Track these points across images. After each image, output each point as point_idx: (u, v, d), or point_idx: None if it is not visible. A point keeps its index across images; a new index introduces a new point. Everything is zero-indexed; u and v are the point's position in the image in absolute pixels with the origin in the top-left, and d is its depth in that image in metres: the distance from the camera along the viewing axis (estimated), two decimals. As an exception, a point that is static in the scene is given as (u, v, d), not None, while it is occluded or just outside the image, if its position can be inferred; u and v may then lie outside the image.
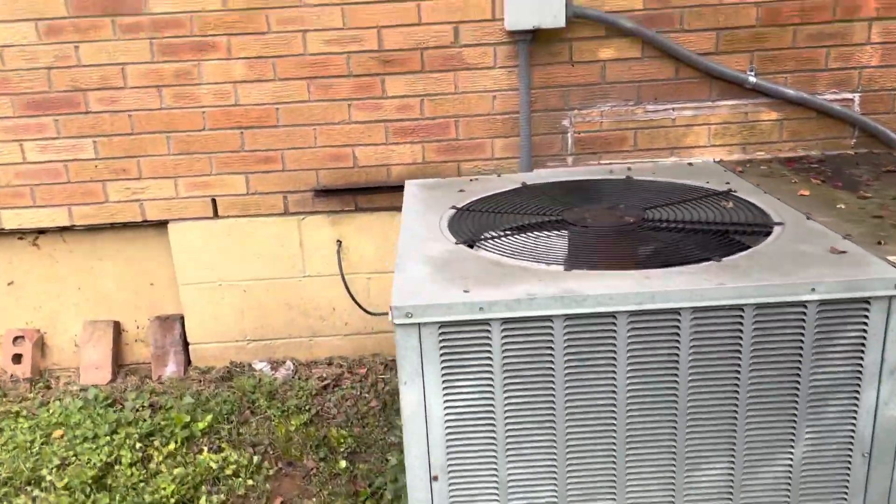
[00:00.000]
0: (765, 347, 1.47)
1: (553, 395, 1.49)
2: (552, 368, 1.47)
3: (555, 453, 1.52)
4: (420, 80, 2.75)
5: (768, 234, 1.73)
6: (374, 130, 2.80)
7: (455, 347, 1.47)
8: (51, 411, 2.69)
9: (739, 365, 1.48)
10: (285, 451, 2.44)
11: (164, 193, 2.86)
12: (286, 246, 2.92)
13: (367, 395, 2.74)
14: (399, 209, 2.84)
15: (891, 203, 1.84)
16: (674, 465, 1.53)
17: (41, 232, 2.92)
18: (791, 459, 1.53)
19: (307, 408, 2.68)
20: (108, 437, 2.50)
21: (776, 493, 1.55)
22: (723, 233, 1.77)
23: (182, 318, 2.98)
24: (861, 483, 1.54)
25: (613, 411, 1.50)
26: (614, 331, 1.46)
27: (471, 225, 1.93)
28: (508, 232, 1.86)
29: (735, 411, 1.50)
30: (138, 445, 2.44)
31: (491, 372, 1.48)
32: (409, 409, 1.50)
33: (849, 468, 1.54)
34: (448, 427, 1.51)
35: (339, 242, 2.93)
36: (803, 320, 1.45)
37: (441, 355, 1.47)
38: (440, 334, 1.46)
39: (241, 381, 2.83)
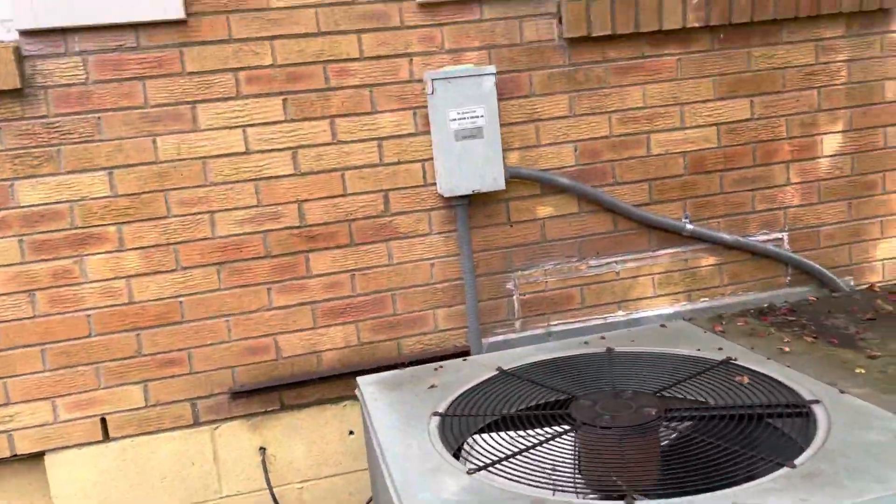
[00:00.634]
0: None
1: None
2: None
3: None
4: (349, 254, 2.45)
5: (807, 414, 1.55)
6: (298, 315, 2.44)
7: None
8: None
9: None
10: None
11: (38, 419, 2.28)
12: (197, 463, 2.41)
13: None
14: (333, 401, 2.46)
15: (905, 362, 1.74)
16: None
17: None
18: None
19: None
20: None
21: None
22: (758, 417, 1.57)
23: (65, 575, 2.34)
24: None
25: None
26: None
27: (471, 439, 1.60)
28: (521, 443, 1.54)
29: None
30: None
31: None
32: None
33: None
34: None
35: (263, 450, 2.46)
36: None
37: None
38: None
39: None
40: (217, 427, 2.41)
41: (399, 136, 2.42)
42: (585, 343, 2.09)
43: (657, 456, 1.49)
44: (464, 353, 2.56)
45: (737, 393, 1.66)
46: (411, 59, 2.39)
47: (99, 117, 2.20)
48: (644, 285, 2.70)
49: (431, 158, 2.46)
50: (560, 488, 1.37)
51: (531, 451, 1.52)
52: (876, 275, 2.88)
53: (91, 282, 2.26)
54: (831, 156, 2.76)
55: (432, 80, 2.29)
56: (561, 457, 1.49)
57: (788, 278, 2.80)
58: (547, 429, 1.59)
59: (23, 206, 2.19)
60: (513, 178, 2.48)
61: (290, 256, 2.40)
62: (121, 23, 2.15)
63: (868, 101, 2.75)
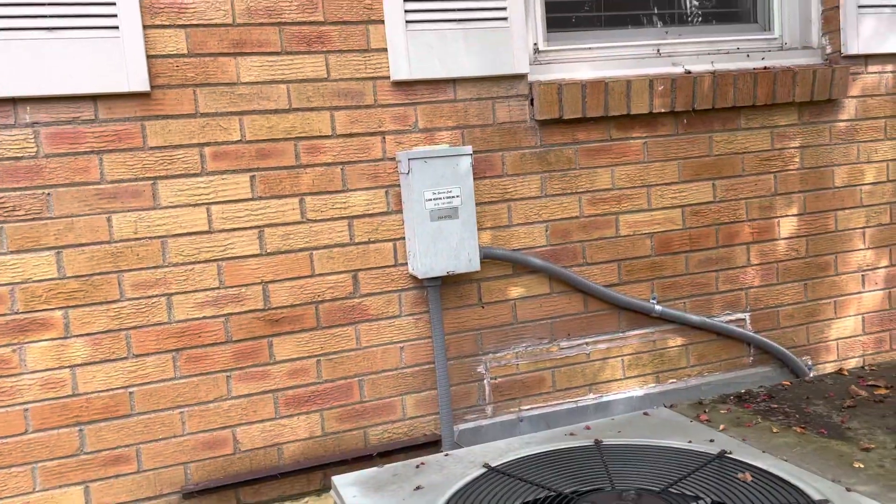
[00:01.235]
0: None
1: None
2: None
3: None
4: (316, 338, 2.31)
5: (815, 514, 1.51)
6: (260, 404, 2.27)
7: None
8: None
9: None
10: None
11: (-41, 532, 2.01)
12: (143, 572, 2.17)
13: None
14: (295, 498, 2.29)
15: (897, 453, 1.74)
16: None
17: None
18: None
19: None
20: None
21: None
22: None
23: None
24: None
25: None
26: None
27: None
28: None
29: None
30: None
31: None
32: None
33: None
34: None
35: (218, 554, 2.24)
36: None
37: None
38: None
39: None
40: (166, 531, 2.19)
41: (371, 215, 2.34)
42: (571, 435, 2.01)
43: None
44: (434, 443, 2.44)
45: (743, 492, 1.61)
46: (384, 138, 2.33)
47: (49, 193, 2.03)
48: (614, 367, 2.66)
49: (403, 238, 2.38)
50: None
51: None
52: (831, 354, 2.94)
53: (31, 372, 2.04)
54: (788, 238, 2.83)
55: (409, 159, 2.23)
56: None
57: (751, 358, 2.83)
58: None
59: (-43, 290, 1.97)
60: (486, 258, 2.42)
61: (253, 341, 2.25)
62: (79, 94, 2.01)
63: (820, 186, 2.85)
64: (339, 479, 1.91)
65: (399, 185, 2.35)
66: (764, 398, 2.20)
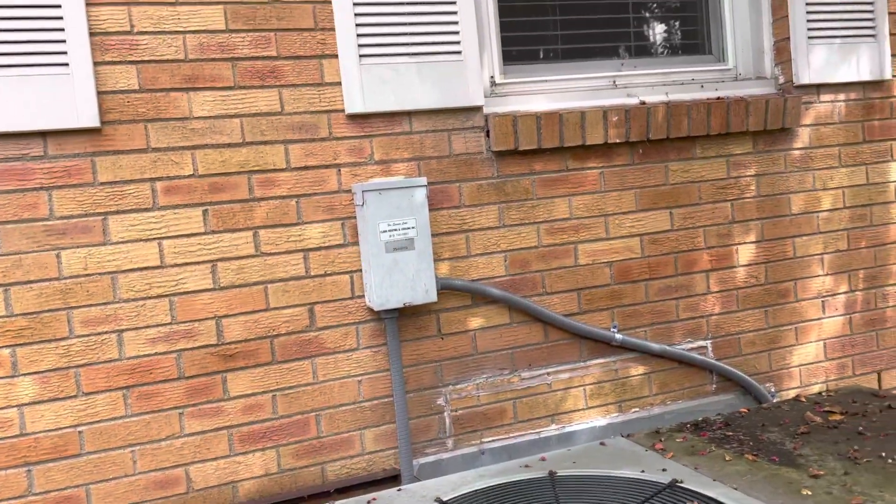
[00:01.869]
0: None
1: None
2: None
3: None
4: (271, 373, 2.29)
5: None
6: (213, 441, 2.23)
7: None
8: None
9: None
10: None
11: None
12: None
13: None
14: (251, 537, 2.24)
15: (848, 480, 1.73)
16: None
17: None
18: None
19: None
20: None
21: None
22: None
23: None
24: None
25: None
26: None
27: None
28: None
29: None
30: None
31: None
32: None
33: None
34: None
35: None
36: None
37: None
38: None
39: None
40: (116, 574, 2.14)
41: (327, 248, 2.33)
42: (526, 467, 1.99)
43: None
44: (393, 478, 2.41)
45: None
46: (340, 170, 2.34)
47: (-4, 230, 2.01)
48: (576, 397, 2.65)
49: (360, 270, 2.37)
50: None
51: None
52: (794, 380, 2.95)
53: (-25, 413, 2.00)
54: (747, 265, 2.86)
55: (363, 191, 2.23)
56: None
57: (714, 386, 2.83)
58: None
59: None
60: (444, 289, 2.42)
61: (206, 377, 2.22)
62: (28, 130, 2.01)
63: (777, 214, 2.88)
64: (289, 517, 1.87)
65: (355, 218, 2.35)
66: (720, 426, 2.20)
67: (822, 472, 1.80)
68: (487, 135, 2.50)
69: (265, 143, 2.26)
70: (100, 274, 2.11)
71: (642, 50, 2.88)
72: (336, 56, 2.31)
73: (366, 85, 2.32)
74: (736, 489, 1.75)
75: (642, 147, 2.69)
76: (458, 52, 2.42)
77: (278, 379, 2.29)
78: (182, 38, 2.16)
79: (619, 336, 2.64)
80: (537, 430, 2.60)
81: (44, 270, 2.06)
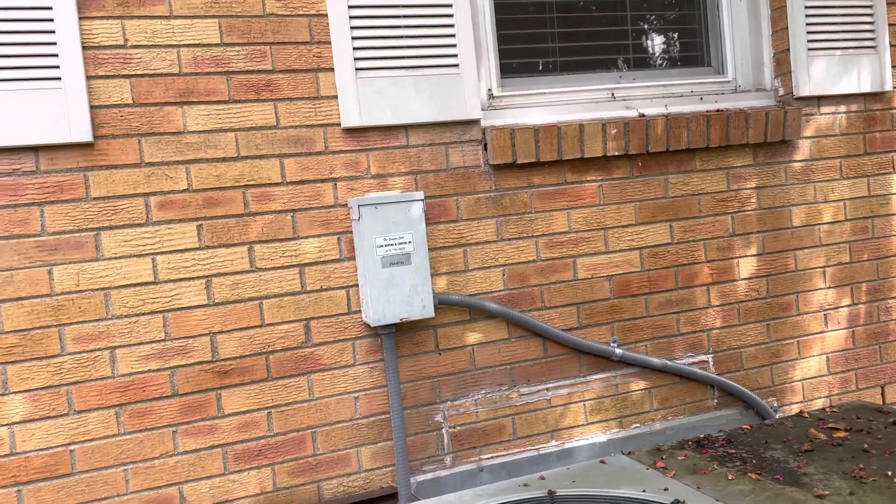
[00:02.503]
0: None
1: None
2: None
3: None
4: (266, 389, 2.26)
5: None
6: (208, 460, 2.20)
7: None
8: None
9: None
10: None
11: None
12: None
13: None
14: (245, 557, 2.20)
15: (854, 501, 1.69)
16: None
17: None
18: None
19: None
20: None
21: None
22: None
23: None
24: None
25: None
26: None
27: None
28: None
29: None
30: None
31: None
32: None
33: None
34: None
35: None
36: None
37: None
38: None
39: None
40: None
41: (323, 263, 2.31)
42: (525, 486, 1.96)
43: None
44: (391, 496, 2.37)
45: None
46: (336, 184, 2.32)
47: (-13, 246, 1.99)
48: (576, 413, 2.61)
49: (356, 285, 2.34)
50: None
51: None
52: (797, 395, 2.91)
53: (-36, 432, 1.97)
54: (748, 278, 2.83)
55: (359, 205, 2.21)
56: None
57: (716, 401, 2.79)
58: None
59: None
60: (441, 304, 2.39)
61: (200, 394, 2.19)
62: (19, 145, 1.98)
63: (778, 226, 2.86)
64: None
65: (352, 232, 2.33)
66: (722, 443, 2.16)
67: (826, 492, 1.76)
68: (485, 148, 2.48)
69: (260, 157, 2.24)
70: (92, 290, 2.08)
71: (641, 62, 2.87)
72: (332, 69, 2.29)
73: (362, 98, 2.30)
74: (739, 510, 1.72)
75: (641, 160, 2.67)
76: (456, 66, 2.40)
77: (274, 396, 2.26)
78: (176, 51, 2.14)
79: (619, 351, 2.61)
80: (537, 447, 2.56)
81: (35, 287, 2.03)
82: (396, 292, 2.25)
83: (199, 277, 2.18)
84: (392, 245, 2.25)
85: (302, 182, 2.28)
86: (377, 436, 2.38)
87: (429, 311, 2.30)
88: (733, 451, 2.10)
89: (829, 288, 2.95)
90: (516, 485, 1.98)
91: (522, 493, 1.93)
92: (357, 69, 2.30)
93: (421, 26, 2.36)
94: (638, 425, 2.69)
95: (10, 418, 2.01)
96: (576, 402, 2.61)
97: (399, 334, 2.38)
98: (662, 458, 2.07)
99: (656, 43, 2.91)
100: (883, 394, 3.07)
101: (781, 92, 2.88)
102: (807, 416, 2.38)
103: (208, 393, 2.20)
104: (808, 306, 2.92)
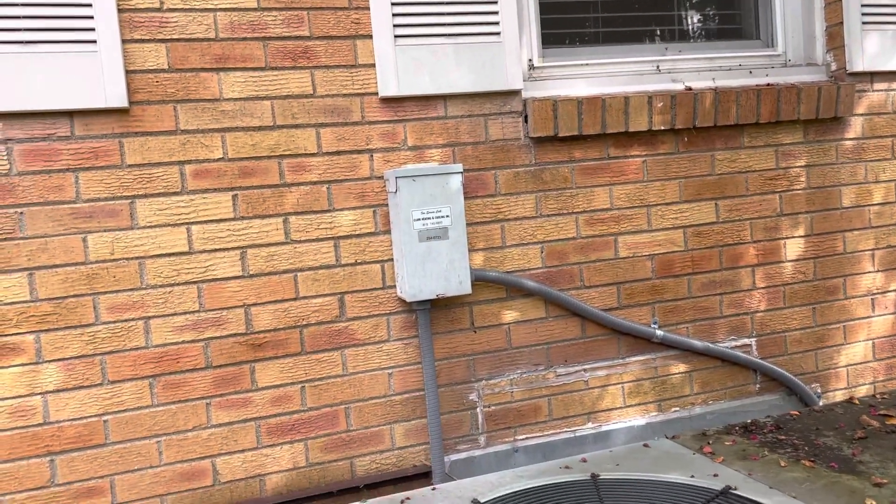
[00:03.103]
0: None
1: None
2: None
3: None
4: (300, 363, 2.21)
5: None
6: (241, 433, 2.17)
7: None
8: None
9: None
10: None
11: (-81, 568, 1.91)
12: None
13: None
14: (277, 532, 2.17)
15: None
16: None
17: None
18: None
19: None
20: None
21: None
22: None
23: None
24: None
25: None
26: None
27: None
28: None
29: None
30: None
31: None
32: None
33: None
34: None
35: (195, 592, 2.13)
36: None
37: None
38: None
39: None
40: (140, 567, 2.08)
41: (358, 236, 2.25)
42: (566, 468, 1.90)
43: None
44: (424, 474, 2.33)
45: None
46: (372, 156, 2.26)
47: (21, 212, 1.96)
48: (614, 395, 2.55)
49: (392, 259, 2.29)
50: None
51: None
52: (841, 381, 2.82)
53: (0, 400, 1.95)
54: (794, 260, 2.73)
55: (396, 177, 2.14)
56: None
57: (758, 386, 2.71)
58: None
59: (-78, 313, 1.89)
60: (478, 280, 2.33)
61: (234, 367, 2.16)
62: (54, 110, 1.94)
63: (827, 207, 2.75)
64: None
65: (387, 205, 2.27)
66: (771, 429, 2.09)
67: (885, 481, 1.69)
68: (525, 120, 2.40)
69: (296, 126, 2.18)
70: (127, 259, 2.05)
71: (687, 34, 2.76)
72: (370, 37, 2.22)
73: (400, 67, 2.23)
74: (795, 498, 1.65)
75: (687, 135, 2.58)
76: (497, 34, 2.32)
77: (307, 370, 2.22)
78: (213, 15, 2.08)
79: (660, 332, 2.53)
80: (573, 429, 2.50)
81: (69, 254, 2.00)
82: (433, 267, 2.19)
83: (233, 248, 2.14)
84: (429, 219, 2.18)
85: (338, 153, 2.22)
86: (411, 413, 2.33)
87: (466, 287, 2.24)
88: (783, 437, 2.02)
89: (878, 272, 2.84)
90: (557, 467, 1.93)
91: (564, 476, 1.87)
92: (396, 36, 2.23)
93: (462, -7, 2.28)
94: (677, 409, 2.62)
95: (43, 387, 1.99)
96: (614, 384, 2.54)
97: (434, 311, 2.32)
98: (709, 443, 2.00)
99: (703, 14, 2.80)
100: (931, 382, 2.96)
101: (833, 67, 2.76)
102: (857, 402, 2.29)
103: (242, 366, 2.16)
104: (855, 290, 2.82)
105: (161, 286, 2.08)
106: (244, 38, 2.11)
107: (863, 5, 2.72)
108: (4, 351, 1.95)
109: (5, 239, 1.95)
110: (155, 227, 2.07)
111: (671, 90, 2.54)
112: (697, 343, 2.58)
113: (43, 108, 1.93)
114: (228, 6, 2.09)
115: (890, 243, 2.85)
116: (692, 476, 1.78)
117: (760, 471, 1.81)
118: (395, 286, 2.30)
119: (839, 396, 2.80)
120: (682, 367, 2.61)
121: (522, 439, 2.45)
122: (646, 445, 2.03)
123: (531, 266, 2.43)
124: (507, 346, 2.42)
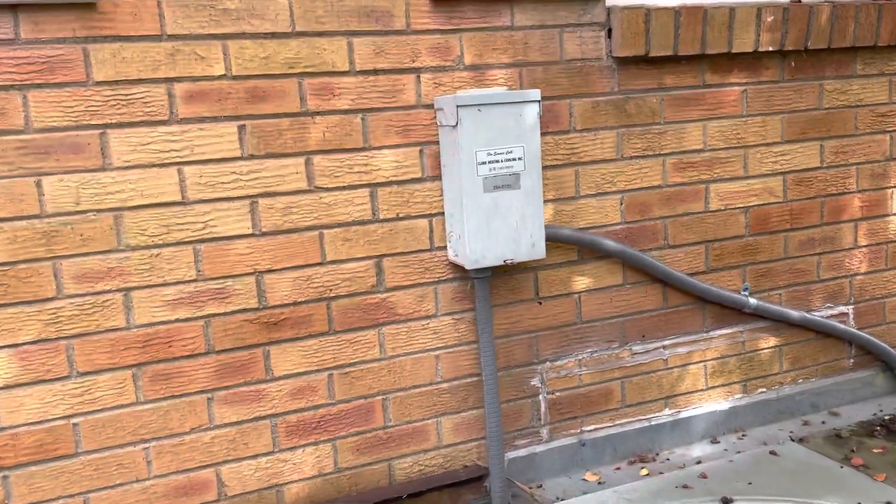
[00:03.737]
0: None
1: None
2: None
3: None
4: (327, 345, 1.73)
5: None
6: (253, 434, 1.69)
7: None
8: None
9: None
10: None
11: None
12: None
13: None
14: (299, 553, 1.73)
15: None
16: None
17: None
18: None
19: None
20: None
21: None
22: None
23: None
24: None
25: None
26: None
27: None
28: None
29: None
30: None
31: None
32: None
33: None
34: None
35: None
36: None
37: None
38: None
39: None
40: None
41: (400, 182, 1.74)
42: (685, 487, 1.47)
43: None
44: (477, 478, 1.89)
45: None
46: (419, 77, 1.72)
47: (-54, 146, 1.40)
48: (695, 375, 2.13)
49: (441, 213, 1.79)
50: None
51: None
52: (940, 353, 2.44)
53: (-74, 403, 1.43)
54: (901, 214, 2.31)
55: (457, 106, 1.62)
56: None
57: (851, 361, 2.32)
58: None
59: None
60: (548, 240, 1.84)
61: (243, 351, 1.66)
62: (-13, -1, 1.37)
63: (944, 151, 2.31)
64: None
65: (438, 143, 1.75)
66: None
67: None
68: (609, 34, 1.88)
69: (322, 34, 1.63)
70: (97, 211, 1.51)
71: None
72: (421, -85, 1.66)
73: (459, -42, 1.68)
74: None
75: (795, 59, 2.09)
76: (581, -81, 1.77)
77: (336, 354, 1.74)
78: None
79: (753, 301, 2.10)
80: (647, 416, 2.09)
81: (17, 205, 1.45)
82: (501, 225, 1.70)
83: (240, 198, 1.61)
84: (498, 162, 1.68)
85: (375, 72, 1.68)
86: (461, 404, 1.88)
87: (539, 251, 1.76)
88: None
89: None
90: (673, 486, 1.50)
91: (686, 498, 1.44)
92: (455, -84, 1.67)
93: None
94: (763, 390, 2.22)
95: (-11, 384, 1.48)
96: (696, 363, 2.12)
97: (492, 278, 1.84)
98: (853, 450, 1.59)
99: None
100: None
101: (959, -20, 2.28)
102: None
103: (253, 350, 1.67)
104: (963, 249, 2.41)
105: (146, 247, 1.55)
106: None
107: None
108: (-69, 339, 1.42)
109: (-76, 184, 1.39)
110: (135, 167, 1.52)
111: (782, 2, 2.03)
112: (794, 313, 2.17)
113: (-30, -3, 1.35)
114: None
115: None
116: (859, 503, 1.37)
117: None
118: (445, 247, 1.80)
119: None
120: (771, 342, 2.20)
121: (590, 430, 2.03)
122: (773, 453, 1.62)
123: (609, 221, 1.96)
124: (577, 319, 1.97)
